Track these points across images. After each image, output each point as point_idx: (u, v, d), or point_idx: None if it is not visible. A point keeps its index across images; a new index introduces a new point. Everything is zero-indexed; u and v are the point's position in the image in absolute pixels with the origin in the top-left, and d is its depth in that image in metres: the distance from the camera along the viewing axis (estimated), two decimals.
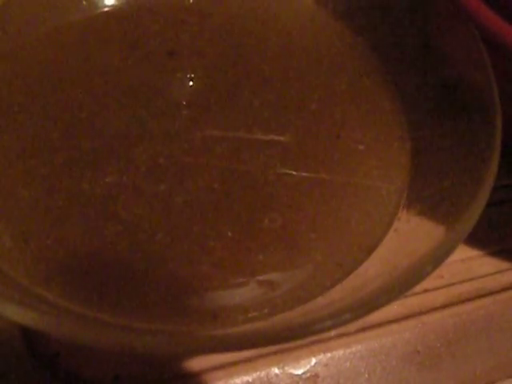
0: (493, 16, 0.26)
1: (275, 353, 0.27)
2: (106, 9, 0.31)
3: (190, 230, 0.25)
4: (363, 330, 0.28)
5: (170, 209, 0.25)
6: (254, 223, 0.25)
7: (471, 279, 0.30)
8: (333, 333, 0.27)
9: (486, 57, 0.25)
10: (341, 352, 0.27)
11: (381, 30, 0.30)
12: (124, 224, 0.24)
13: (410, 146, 0.28)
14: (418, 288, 0.23)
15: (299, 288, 0.24)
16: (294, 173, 0.27)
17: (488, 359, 0.28)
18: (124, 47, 0.29)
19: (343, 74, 0.30)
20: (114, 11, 0.31)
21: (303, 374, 0.27)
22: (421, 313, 0.29)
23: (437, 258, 0.21)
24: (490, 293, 0.30)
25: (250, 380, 0.26)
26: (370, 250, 0.25)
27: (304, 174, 0.27)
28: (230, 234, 0.25)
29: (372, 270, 0.24)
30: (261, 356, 0.27)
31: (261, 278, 0.24)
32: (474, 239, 0.31)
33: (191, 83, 0.29)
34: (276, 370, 0.27)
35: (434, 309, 0.29)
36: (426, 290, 0.30)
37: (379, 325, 0.28)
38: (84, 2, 0.31)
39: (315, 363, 0.27)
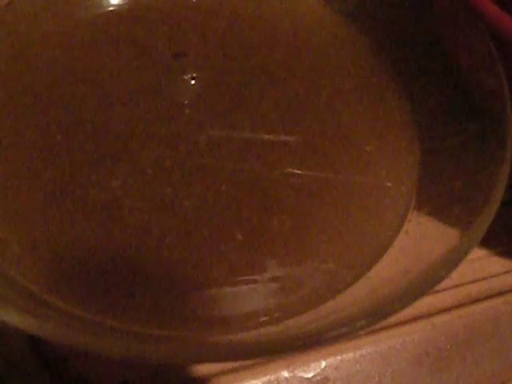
0: (502, 14, 0.26)
1: (285, 356, 0.27)
2: (110, 8, 0.31)
3: (200, 234, 0.24)
4: (373, 332, 0.27)
5: (178, 212, 0.25)
6: (264, 226, 0.25)
7: (480, 279, 0.30)
8: None
9: (497, 55, 0.25)
10: (351, 355, 0.27)
11: (389, 29, 0.30)
12: (132, 229, 0.24)
13: (420, 147, 0.27)
14: None
15: (310, 291, 0.24)
16: (301, 174, 0.26)
17: (499, 360, 0.28)
18: (129, 48, 0.29)
19: (351, 74, 0.29)
20: (119, 11, 0.30)
21: (313, 377, 0.27)
22: (430, 314, 0.29)
23: (451, 261, 0.21)
24: (500, 293, 0.30)
25: None
26: (380, 253, 0.24)
27: (311, 176, 0.26)
28: (240, 237, 0.24)
29: (383, 274, 0.23)
30: (270, 360, 0.26)
31: (271, 281, 0.24)
32: (483, 239, 0.31)
33: (197, 84, 0.29)
34: (286, 374, 0.26)
35: (444, 310, 0.29)
36: (434, 291, 0.29)
37: (389, 327, 0.28)
38: (88, 2, 0.31)
39: (325, 366, 0.27)
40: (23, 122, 0.26)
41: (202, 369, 0.26)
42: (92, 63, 0.29)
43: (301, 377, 0.26)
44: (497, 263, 0.31)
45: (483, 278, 0.30)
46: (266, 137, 0.27)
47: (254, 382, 0.26)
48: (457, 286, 0.30)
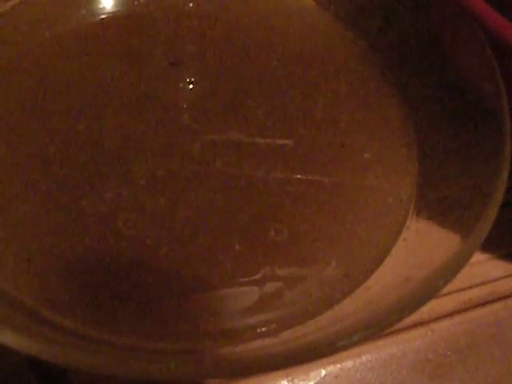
0: (499, 18, 0.25)
1: None
2: (105, 16, 0.30)
3: (196, 244, 0.24)
4: (372, 339, 0.27)
5: (173, 223, 0.24)
6: (261, 235, 0.25)
7: (481, 284, 0.30)
8: None
9: (494, 60, 0.25)
10: (350, 363, 0.27)
11: (385, 33, 0.30)
12: (127, 241, 0.24)
13: (418, 153, 0.27)
14: None
15: (307, 301, 0.23)
16: (297, 182, 0.26)
17: (500, 366, 0.28)
18: (124, 56, 0.29)
19: (348, 80, 0.29)
20: (113, 19, 0.30)
21: None
22: (430, 320, 0.28)
23: (450, 269, 0.21)
24: (501, 297, 0.29)
25: None
26: (378, 261, 0.24)
27: (308, 184, 0.26)
28: (237, 247, 0.24)
29: (382, 283, 0.23)
30: None
31: (269, 291, 0.24)
32: (484, 242, 0.31)
33: (193, 92, 0.28)
34: (285, 383, 0.26)
35: (444, 315, 0.28)
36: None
37: (388, 334, 0.28)
38: (83, 10, 0.30)
39: (325, 375, 0.26)
40: (16, 132, 0.26)
41: None
42: (85, 73, 0.28)
43: None
44: (497, 267, 0.30)
45: (484, 283, 0.30)
46: (262, 143, 0.27)
47: None
48: (457, 290, 0.29)
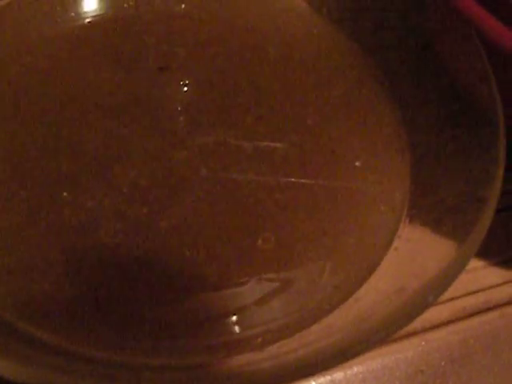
0: (493, 21, 0.25)
1: None
2: (93, 19, 0.29)
3: (181, 255, 0.23)
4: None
5: (155, 233, 0.23)
6: (248, 245, 0.24)
7: (476, 291, 0.29)
8: None
9: (488, 63, 0.24)
10: (341, 374, 0.26)
11: (378, 36, 0.29)
12: (109, 250, 0.23)
13: (410, 159, 0.26)
14: None
15: (296, 313, 0.23)
16: (286, 188, 0.25)
17: (495, 377, 0.27)
18: (112, 60, 0.28)
19: (340, 85, 0.28)
20: (102, 22, 0.29)
21: None
22: (423, 330, 0.28)
23: (444, 280, 0.20)
24: (497, 306, 0.29)
25: None
26: (369, 271, 0.23)
27: (297, 191, 0.25)
28: (223, 257, 0.23)
29: (373, 295, 0.22)
30: None
31: (256, 303, 0.23)
32: (479, 249, 0.30)
33: (181, 97, 0.28)
34: None
35: (438, 325, 0.28)
36: None
37: (380, 344, 0.27)
38: (71, 13, 0.29)
39: None
40: None
41: None
42: (72, 76, 0.27)
43: None
44: (493, 274, 0.30)
45: (479, 290, 0.29)
46: (251, 147, 0.26)
47: None
48: (451, 299, 0.28)
